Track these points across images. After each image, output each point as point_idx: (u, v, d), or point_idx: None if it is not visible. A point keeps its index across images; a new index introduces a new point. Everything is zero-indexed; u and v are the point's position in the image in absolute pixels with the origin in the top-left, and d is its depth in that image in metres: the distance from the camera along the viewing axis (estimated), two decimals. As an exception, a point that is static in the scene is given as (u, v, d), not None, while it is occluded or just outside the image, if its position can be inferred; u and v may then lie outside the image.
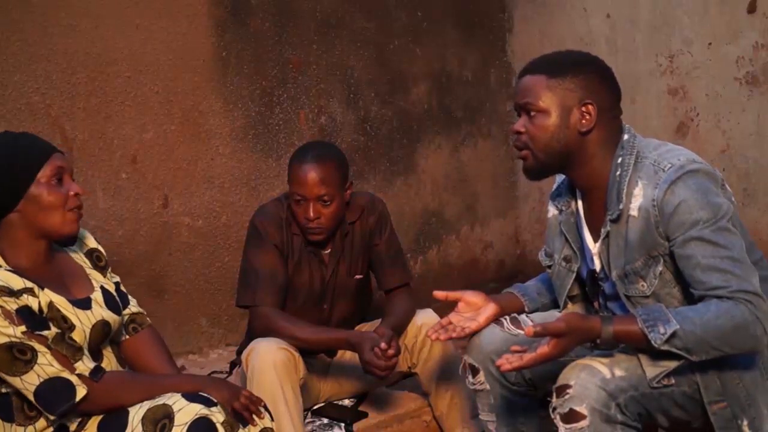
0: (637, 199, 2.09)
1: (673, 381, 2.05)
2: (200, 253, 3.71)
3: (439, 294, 2.37)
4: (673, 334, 1.96)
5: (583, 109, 2.14)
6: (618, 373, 2.00)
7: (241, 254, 2.88)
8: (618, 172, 2.13)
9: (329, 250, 2.85)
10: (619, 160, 2.14)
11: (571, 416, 1.97)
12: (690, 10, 4.00)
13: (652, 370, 2.03)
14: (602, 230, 2.17)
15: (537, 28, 4.63)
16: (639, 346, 2.02)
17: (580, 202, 2.27)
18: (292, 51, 3.93)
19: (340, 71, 4.12)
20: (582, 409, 1.96)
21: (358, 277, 2.90)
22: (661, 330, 1.96)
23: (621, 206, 2.11)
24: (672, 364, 2.02)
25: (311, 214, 2.71)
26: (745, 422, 2.06)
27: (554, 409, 2.01)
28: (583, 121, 2.14)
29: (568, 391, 1.98)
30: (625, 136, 2.17)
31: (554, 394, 2.02)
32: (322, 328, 2.76)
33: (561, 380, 2.02)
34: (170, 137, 3.59)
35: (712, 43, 3.95)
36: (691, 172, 2.05)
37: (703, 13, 3.96)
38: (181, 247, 3.65)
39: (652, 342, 1.97)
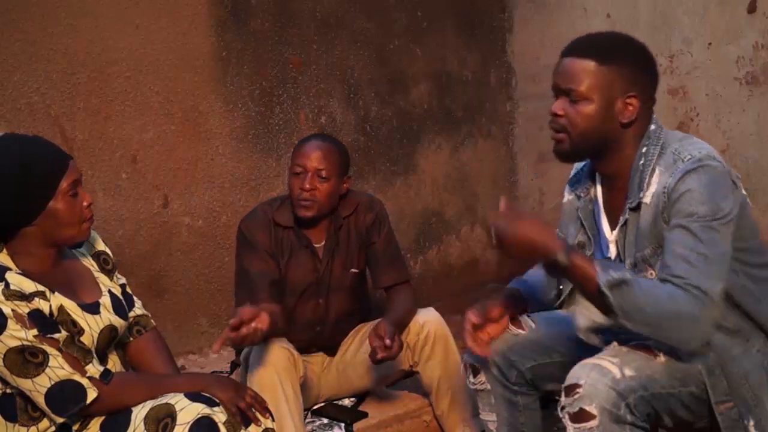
0: (653, 186, 2.09)
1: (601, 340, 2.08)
2: (200, 253, 3.71)
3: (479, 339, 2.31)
4: (620, 283, 1.94)
5: (627, 100, 2.11)
6: (628, 373, 1.99)
7: (241, 254, 2.90)
8: (642, 162, 2.12)
9: (322, 243, 2.87)
10: (644, 149, 2.13)
11: (581, 416, 1.96)
12: (690, 10, 4.00)
13: (584, 321, 2.07)
14: (621, 218, 2.16)
15: (537, 28, 4.63)
16: (585, 286, 2.00)
17: (599, 189, 2.25)
18: (292, 51, 3.93)
19: (340, 71, 4.12)
20: (592, 408, 1.95)
21: (353, 270, 2.91)
22: (613, 274, 1.96)
23: (641, 195, 2.10)
24: (603, 322, 2.02)
25: (307, 185, 2.76)
26: (752, 422, 2.05)
27: (563, 407, 2.00)
28: (626, 113, 2.12)
29: (578, 390, 1.97)
30: (652, 126, 2.16)
31: (563, 393, 2.01)
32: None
33: (570, 379, 2.00)
34: (170, 137, 3.59)
35: (712, 43, 3.95)
36: (706, 167, 2.04)
37: (703, 13, 3.96)
38: (181, 247, 3.65)
39: (599, 280, 1.94)
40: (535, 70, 4.66)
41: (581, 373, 1.99)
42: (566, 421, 2.00)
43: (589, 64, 2.11)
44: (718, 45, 3.93)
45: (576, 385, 1.98)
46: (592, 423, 1.95)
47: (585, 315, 2.09)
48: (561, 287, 2.33)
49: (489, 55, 4.73)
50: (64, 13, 3.28)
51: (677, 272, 1.99)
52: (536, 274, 2.47)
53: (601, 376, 1.97)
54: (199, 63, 3.65)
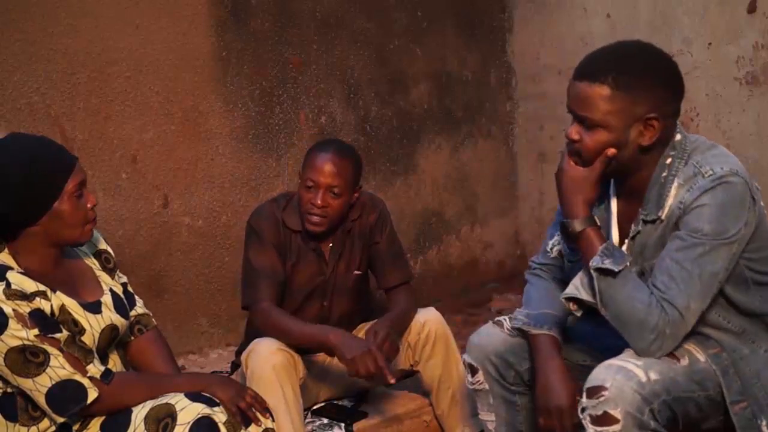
0: (670, 200, 2.06)
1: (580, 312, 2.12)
2: (200, 253, 3.71)
3: None
4: (608, 273, 2.00)
5: (647, 123, 2.03)
6: (653, 376, 1.97)
7: (241, 254, 2.89)
8: (664, 173, 2.08)
9: (330, 245, 2.87)
10: (668, 161, 2.08)
11: (604, 419, 1.94)
12: (690, 10, 4.00)
13: (572, 289, 2.08)
14: (633, 227, 2.14)
15: (537, 28, 4.63)
16: (585, 261, 2.06)
17: (614, 200, 2.21)
18: (292, 51, 3.93)
19: (340, 71, 4.11)
20: (616, 412, 1.92)
21: (357, 272, 2.91)
22: (606, 262, 2.00)
23: (660, 212, 2.07)
24: (585, 299, 2.06)
25: (319, 202, 2.73)
26: (764, 422, 2.04)
27: (584, 409, 1.97)
28: (645, 135, 2.05)
29: (603, 393, 1.94)
30: (678, 137, 2.10)
31: (585, 394, 1.98)
32: (310, 324, 2.71)
33: (594, 381, 1.98)
34: (170, 137, 3.59)
35: (712, 43, 3.95)
36: (725, 184, 2.00)
37: (703, 13, 3.96)
38: (181, 247, 3.65)
39: (592, 262, 2.01)
40: (535, 70, 4.66)
41: (606, 375, 1.96)
42: (586, 423, 1.97)
43: (603, 90, 2.02)
44: (718, 45, 3.93)
45: (601, 387, 1.95)
46: (615, 427, 1.92)
47: (576, 285, 2.09)
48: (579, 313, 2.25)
49: (489, 55, 4.73)
50: (64, 13, 3.28)
51: (658, 284, 2.01)
52: (545, 297, 2.37)
53: (627, 380, 1.94)
54: (199, 63, 3.65)
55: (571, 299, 2.12)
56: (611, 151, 2.05)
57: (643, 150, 2.07)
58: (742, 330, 2.11)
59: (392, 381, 2.55)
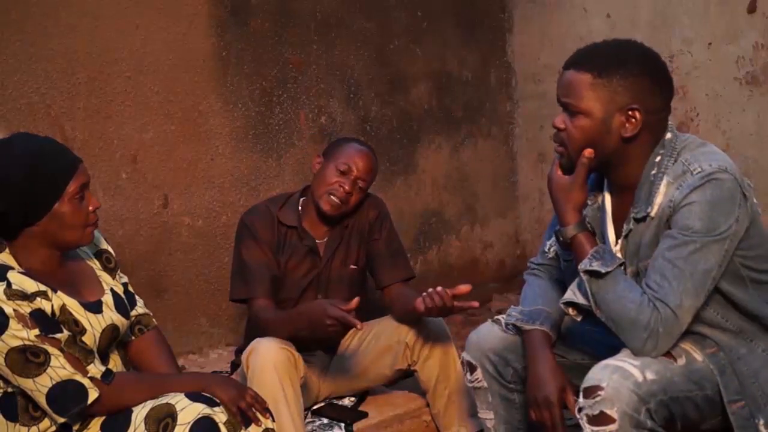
0: (659, 197, 2.07)
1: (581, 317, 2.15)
2: (200, 253, 3.71)
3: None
4: (597, 275, 2.03)
5: (629, 113, 2.06)
6: (650, 376, 1.97)
7: (240, 254, 2.90)
8: (653, 171, 2.09)
9: (325, 240, 2.89)
10: (658, 158, 2.10)
11: (601, 419, 1.94)
12: (690, 10, 4.01)
13: (569, 294, 2.12)
14: (625, 226, 2.15)
15: (537, 28, 4.63)
16: (575, 262, 2.10)
17: (607, 197, 2.22)
18: (292, 51, 3.93)
19: (340, 71, 4.12)
20: (613, 412, 1.92)
21: (352, 267, 2.93)
22: (594, 264, 2.04)
23: (649, 209, 2.08)
24: (581, 303, 2.09)
25: (347, 188, 2.80)
26: (762, 421, 2.04)
27: (581, 409, 1.98)
28: (627, 126, 2.07)
29: (599, 392, 1.94)
30: (668, 135, 2.12)
31: (582, 394, 1.98)
32: (294, 317, 2.68)
33: (591, 380, 1.98)
34: (170, 137, 3.59)
35: (712, 43, 3.96)
36: (714, 181, 2.01)
37: (703, 13, 3.97)
38: (181, 247, 3.65)
39: (581, 265, 2.05)
40: (535, 70, 4.67)
41: (603, 375, 1.96)
42: (583, 422, 1.97)
43: (586, 78, 2.07)
44: (718, 45, 3.94)
45: (597, 387, 1.95)
46: (612, 427, 1.92)
47: (573, 289, 2.13)
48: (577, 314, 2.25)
49: (489, 55, 4.73)
50: (64, 13, 3.28)
51: (650, 283, 2.02)
52: (541, 295, 2.39)
53: (623, 380, 1.94)
54: (199, 63, 3.65)
55: (570, 304, 2.14)
56: (588, 151, 2.10)
57: (627, 141, 2.09)
58: (740, 329, 2.11)
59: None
